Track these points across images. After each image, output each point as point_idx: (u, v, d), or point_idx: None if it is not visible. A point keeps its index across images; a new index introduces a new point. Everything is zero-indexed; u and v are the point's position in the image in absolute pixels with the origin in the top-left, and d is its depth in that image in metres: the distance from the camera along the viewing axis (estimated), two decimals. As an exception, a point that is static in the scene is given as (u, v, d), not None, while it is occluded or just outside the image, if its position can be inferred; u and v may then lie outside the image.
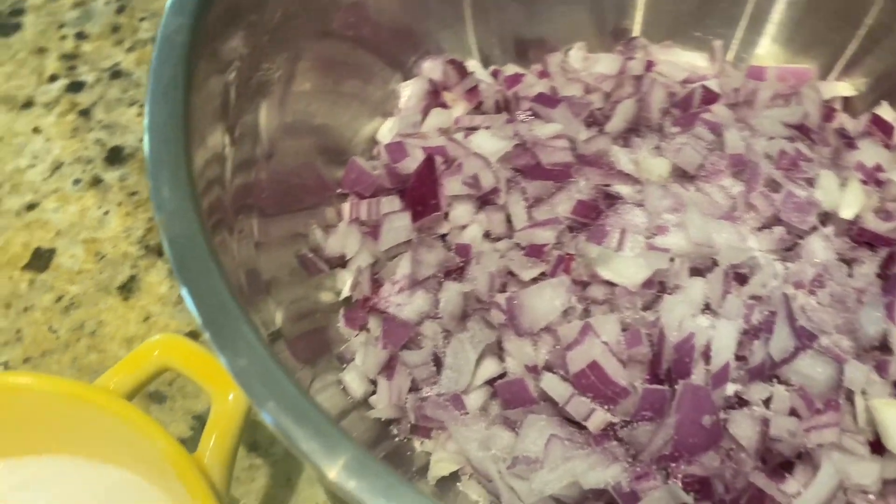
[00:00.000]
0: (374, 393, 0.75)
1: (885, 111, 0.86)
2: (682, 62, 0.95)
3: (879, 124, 0.84)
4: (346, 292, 0.81)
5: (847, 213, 0.74)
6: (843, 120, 0.88)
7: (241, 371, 0.45)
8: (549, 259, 0.73)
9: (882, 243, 0.74)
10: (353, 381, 0.74)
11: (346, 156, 0.88)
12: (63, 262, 0.96)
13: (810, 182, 0.78)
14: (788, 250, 0.76)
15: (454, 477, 0.74)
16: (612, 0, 0.98)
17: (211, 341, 0.45)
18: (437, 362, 0.74)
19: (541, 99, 0.83)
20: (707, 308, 0.70)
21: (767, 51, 0.96)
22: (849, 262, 0.76)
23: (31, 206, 1.00)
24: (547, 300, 0.70)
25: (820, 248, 0.74)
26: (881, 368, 0.69)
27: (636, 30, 0.99)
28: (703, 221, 0.71)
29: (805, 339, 0.65)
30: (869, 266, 0.74)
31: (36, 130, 1.06)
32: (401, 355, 0.74)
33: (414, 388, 0.74)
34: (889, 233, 0.74)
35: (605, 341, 0.67)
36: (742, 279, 0.71)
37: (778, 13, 0.94)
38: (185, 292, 0.46)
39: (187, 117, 0.55)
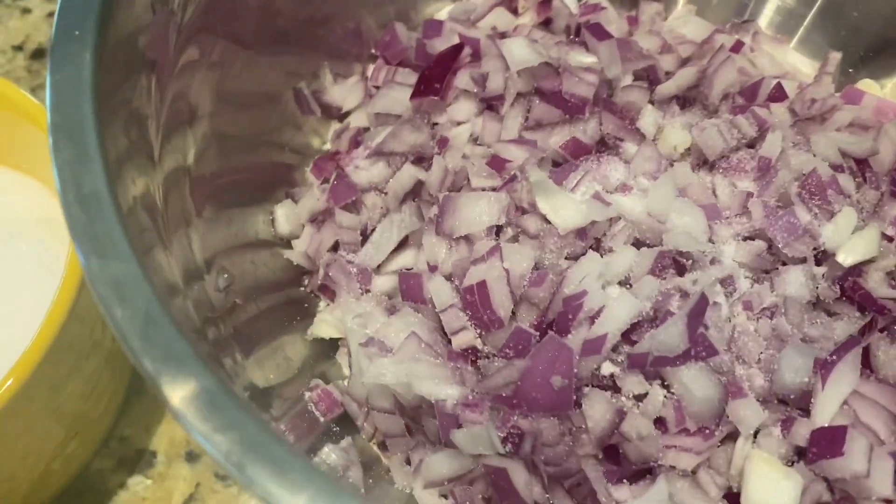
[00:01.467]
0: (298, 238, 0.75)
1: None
2: (786, 60, 0.85)
3: (958, 193, 0.71)
4: (328, 145, 0.81)
5: (844, 258, 0.64)
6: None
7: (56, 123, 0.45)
8: (505, 177, 0.69)
9: (873, 308, 0.64)
10: (283, 216, 0.74)
11: (405, 22, 0.87)
12: None
13: (831, 215, 0.67)
14: (766, 272, 0.67)
15: (334, 346, 0.73)
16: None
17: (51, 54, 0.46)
18: (365, 236, 0.73)
19: (593, 28, 0.77)
20: (627, 282, 0.63)
21: (892, 85, 0.83)
22: (830, 313, 0.66)
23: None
24: (477, 210, 0.67)
25: (796, 283, 0.64)
26: (785, 425, 0.60)
27: (763, 17, 0.90)
28: (669, 197, 0.64)
29: (701, 348, 0.57)
30: (846, 326, 0.64)
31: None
32: (336, 212, 0.73)
33: (335, 248, 0.74)
34: (888, 300, 0.63)
35: (506, 268, 0.63)
36: (682, 271, 0.63)
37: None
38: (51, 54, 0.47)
39: None
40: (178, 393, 0.38)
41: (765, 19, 0.90)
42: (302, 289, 0.75)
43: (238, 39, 0.69)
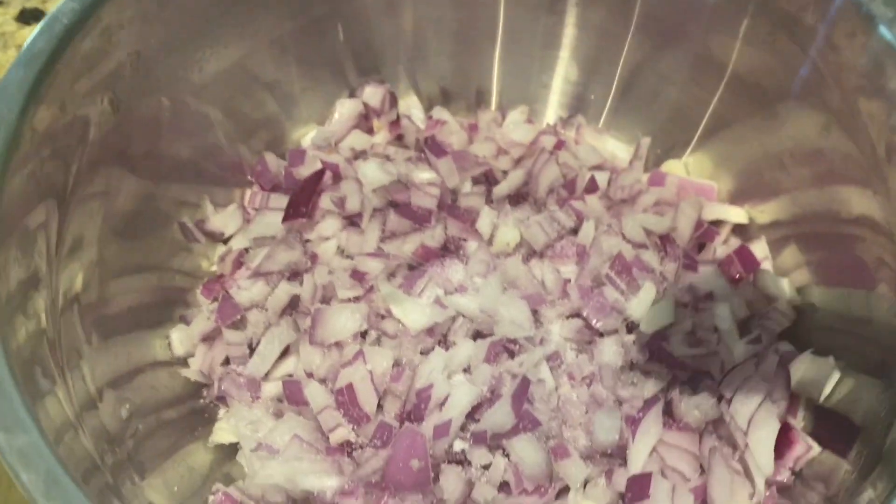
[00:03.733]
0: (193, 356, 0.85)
1: (759, 246, 0.88)
2: (605, 148, 0.99)
3: (744, 257, 0.85)
4: (215, 266, 0.92)
5: (645, 327, 0.78)
6: (723, 243, 0.90)
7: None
8: (366, 286, 0.81)
9: (676, 366, 0.77)
10: (178, 339, 0.85)
11: (275, 149, 0.99)
12: None
13: (638, 289, 0.81)
14: (589, 343, 0.80)
15: (235, 449, 0.83)
16: (582, 85, 1.03)
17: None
18: (252, 349, 0.84)
19: (431, 145, 0.90)
20: (469, 370, 0.75)
21: (693, 160, 0.98)
22: (644, 372, 0.79)
23: None
24: (342, 320, 0.78)
25: (609, 351, 0.77)
26: (608, 475, 0.72)
27: (588, 110, 1.04)
28: (496, 294, 0.77)
29: (527, 422, 0.70)
30: (656, 383, 0.77)
31: None
32: (224, 331, 0.83)
33: (227, 362, 0.84)
34: (686, 358, 0.77)
35: (370, 370, 0.74)
36: (512, 354, 0.76)
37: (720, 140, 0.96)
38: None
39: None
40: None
41: (589, 112, 1.04)
42: (202, 400, 0.85)
43: (129, 168, 0.79)
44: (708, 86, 0.92)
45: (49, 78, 0.67)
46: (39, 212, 0.66)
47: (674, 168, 0.96)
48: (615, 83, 0.99)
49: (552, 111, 1.05)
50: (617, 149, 1.00)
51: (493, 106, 1.06)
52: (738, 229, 0.92)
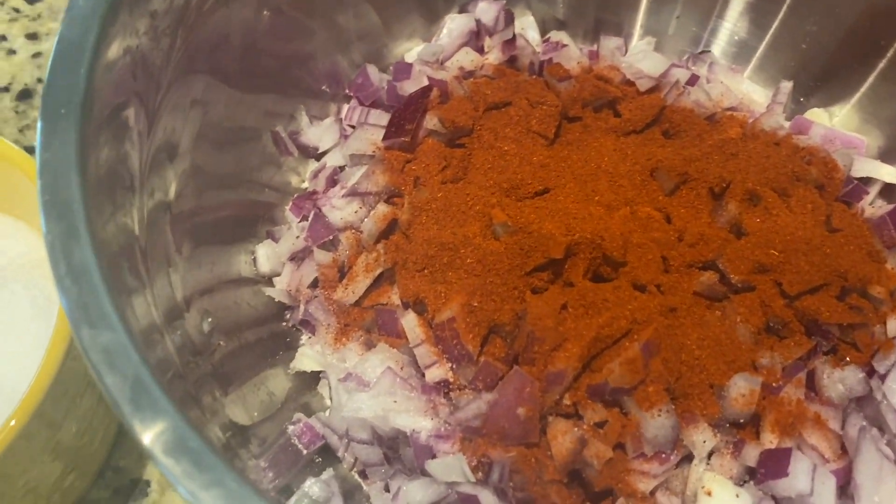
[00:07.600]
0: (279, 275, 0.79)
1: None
2: (740, 90, 0.89)
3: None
4: (306, 183, 0.85)
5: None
6: (870, 203, 0.80)
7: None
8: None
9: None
10: (264, 256, 0.78)
11: (375, 63, 0.91)
12: None
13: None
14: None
15: (316, 378, 0.77)
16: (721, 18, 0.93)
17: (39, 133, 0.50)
18: (343, 272, 0.77)
19: (554, 69, 0.81)
20: (589, 314, 0.67)
21: (839, 111, 0.87)
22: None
23: None
24: (446, 248, 0.71)
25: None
26: (737, 447, 0.64)
27: (717, 48, 0.94)
28: (625, 233, 0.69)
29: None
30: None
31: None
32: (315, 251, 0.77)
33: (314, 285, 0.77)
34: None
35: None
36: (638, 303, 0.68)
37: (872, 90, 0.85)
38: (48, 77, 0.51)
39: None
40: (157, 443, 0.43)
41: (718, 49, 0.94)
42: (284, 324, 0.79)
43: (222, 77, 0.73)
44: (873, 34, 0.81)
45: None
46: (134, 99, 0.60)
47: (818, 117, 0.86)
48: (774, 21, 0.88)
49: (680, 44, 0.95)
50: (753, 91, 0.90)
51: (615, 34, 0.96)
52: (886, 192, 0.82)
